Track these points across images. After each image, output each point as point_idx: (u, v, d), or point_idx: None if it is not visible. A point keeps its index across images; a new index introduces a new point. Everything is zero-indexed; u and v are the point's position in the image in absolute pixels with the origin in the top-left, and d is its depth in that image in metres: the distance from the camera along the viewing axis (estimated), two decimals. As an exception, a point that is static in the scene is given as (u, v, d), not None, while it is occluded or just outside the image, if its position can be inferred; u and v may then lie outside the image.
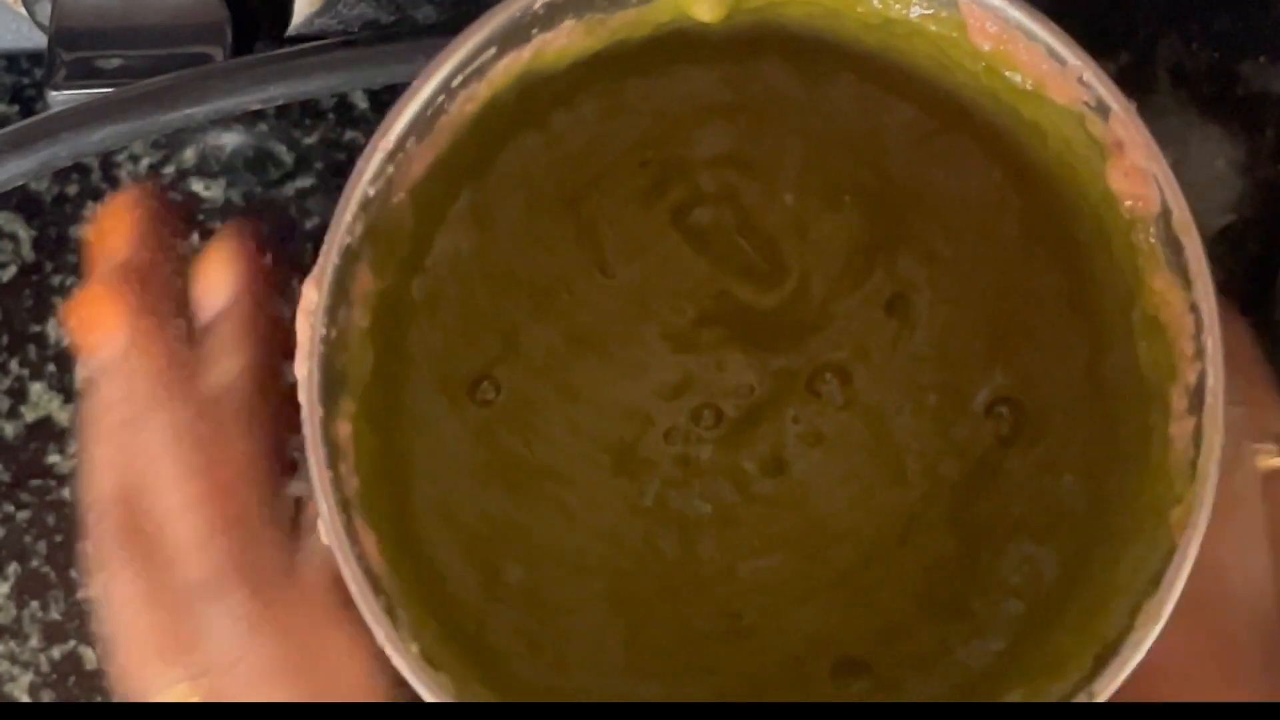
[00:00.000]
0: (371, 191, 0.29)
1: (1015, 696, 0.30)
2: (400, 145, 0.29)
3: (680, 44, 0.31)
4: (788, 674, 0.33)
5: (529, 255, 0.34)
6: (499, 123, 0.31)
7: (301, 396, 0.29)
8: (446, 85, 0.29)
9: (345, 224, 0.29)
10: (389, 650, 0.29)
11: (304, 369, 0.29)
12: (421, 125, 0.29)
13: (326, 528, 0.29)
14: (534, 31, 0.30)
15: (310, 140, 0.42)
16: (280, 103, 0.34)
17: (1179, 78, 0.42)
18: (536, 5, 0.29)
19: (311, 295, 0.29)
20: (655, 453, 0.34)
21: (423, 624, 0.30)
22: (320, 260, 0.29)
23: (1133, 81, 0.41)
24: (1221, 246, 0.42)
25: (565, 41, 0.30)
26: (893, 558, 0.33)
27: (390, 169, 0.29)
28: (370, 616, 0.29)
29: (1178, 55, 0.42)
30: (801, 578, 0.33)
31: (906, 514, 0.33)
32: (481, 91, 0.30)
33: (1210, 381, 0.29)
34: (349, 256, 0.29)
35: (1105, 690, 0.29)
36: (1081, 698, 0.29)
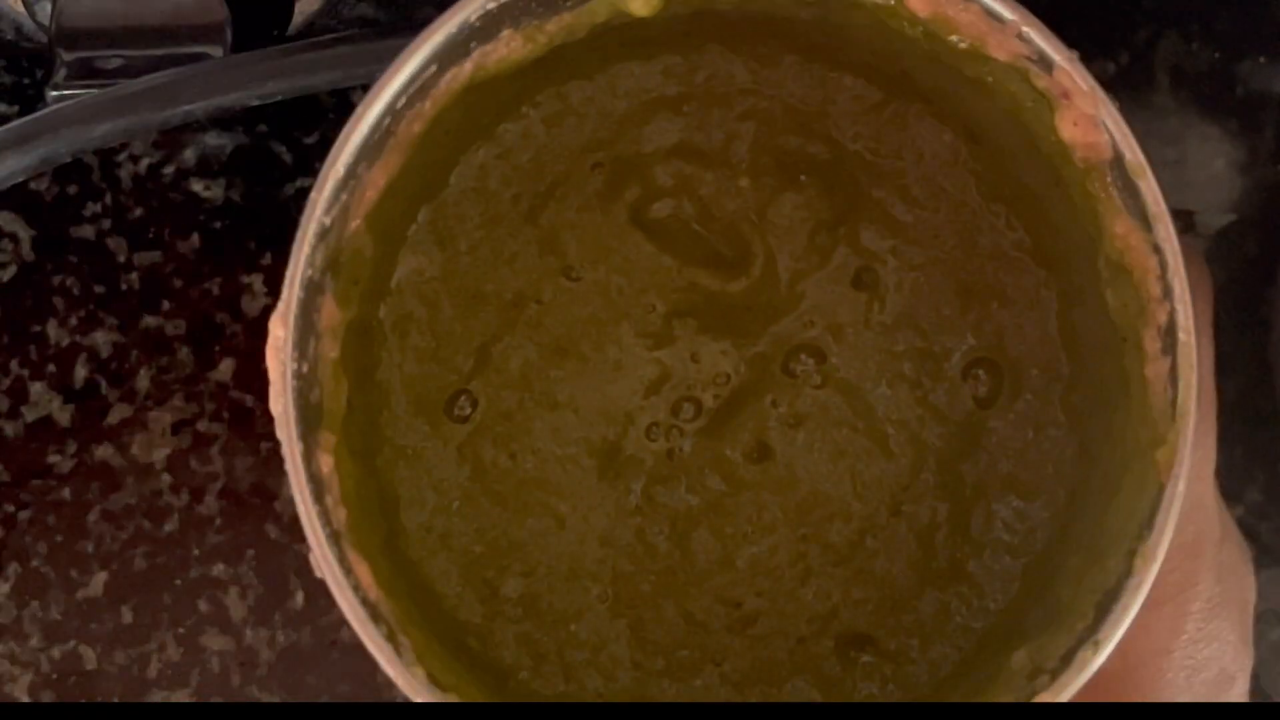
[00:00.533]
0: (328, 221, 0.29)
1: (1020, 655, 0.30)
2: (351, 172, 0.29)
3: (619, 42, 0.31)
4: (793, 655, 0.33)
5: (493, 269, 0.34)
6: (448, 140, 0.31)
7: (280, 433, 0.29)
8: (391, 107, 0.29)
9: (305, 256, 0.29)
10: (395, 677, 0.29)
11: (279, 406, 0.29)
12: (370, 149, 0.29)
13: (318, 562, 0.29)
14: (473, 45, 0.29)
15: (310, 140, 0.42)
16: (281, 98, 0.34)
17: (1179, 78, 0.42)
18: (473, 18, 0.29)
19: (279, 332, 0.29)
20: (639, 451, 0.34)
21: (426, 647, 0.30)
22: (284, 295, 0.29)
23: (1133, 81, 0.41)
24: (1221, 246, 0.42)
25: (505, 52, 0.30)
26: (886, 530, 0.33)
27: (344, 196, 0.29)
28: (372, 646, 0.29)
29: (1177, 55, 0.42)
30: (798, 559, 0.34)
31: (895, 485, 0.34)
32: (427, 110, 0.30)
33: (1181, 320, 0.29)
34: (312, 289, 0.29)
35: (1110, 638, 0.29)
36: (1087, 648, 0.29)
